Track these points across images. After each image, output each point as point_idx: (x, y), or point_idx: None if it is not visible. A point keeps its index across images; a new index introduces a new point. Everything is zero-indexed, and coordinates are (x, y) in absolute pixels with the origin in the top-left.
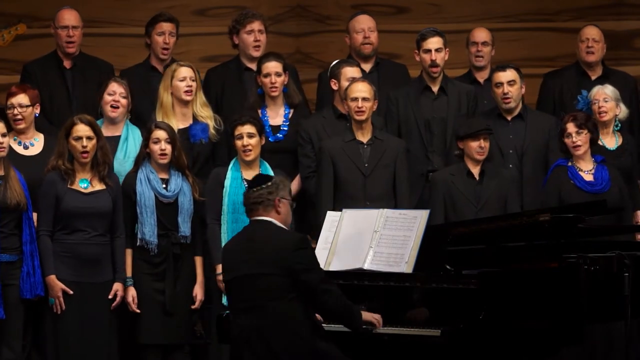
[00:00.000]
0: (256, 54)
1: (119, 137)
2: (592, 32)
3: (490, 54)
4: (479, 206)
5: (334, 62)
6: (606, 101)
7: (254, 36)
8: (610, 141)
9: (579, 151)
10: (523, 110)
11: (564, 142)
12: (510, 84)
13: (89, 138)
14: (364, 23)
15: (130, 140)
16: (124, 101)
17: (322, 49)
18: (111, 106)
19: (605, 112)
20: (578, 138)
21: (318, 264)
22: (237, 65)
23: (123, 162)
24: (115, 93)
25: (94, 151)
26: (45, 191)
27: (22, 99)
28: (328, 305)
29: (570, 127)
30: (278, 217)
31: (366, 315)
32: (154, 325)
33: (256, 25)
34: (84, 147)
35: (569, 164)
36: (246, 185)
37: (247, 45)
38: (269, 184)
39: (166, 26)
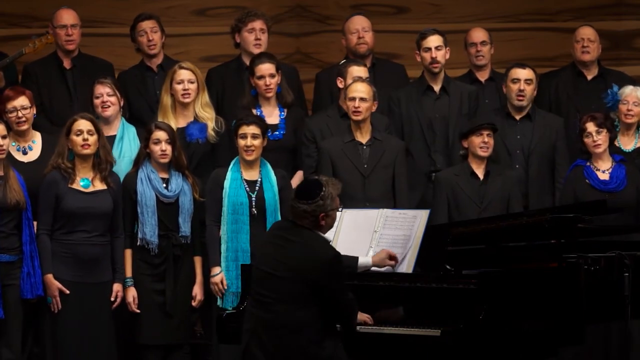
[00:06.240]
0: (257, 52)
1: (114, 136)
2: (587, 32)
3: (489, 52)
4: (482, 206)
5: (342, 61)
6: (636, 105)
7: (254, 34)
8: (627, 142)
9: (599, 149)
10: (532, 110)
11: (584, 142)
12: (527, 82)
13: (90, 132)
14: (358, 23)
15: (126, 140)
16: (112, 99)
17: (322, 49)
18: (102, 107)
19: (633, 116)
20: (598, 137)
21: (344, 281)
22: (238, 65)
23: (118, 162)
24: (102, 94)
25: (95, 146)
26: (46, 190)
27: (23, 101)
28: (346, 318)
29: (590, 127)
30: (321, 229)
31: (359, 316)
32: (154, 325)
33: (258, 24)
34: (85, 139)
35: (587, 163)
36: (248, 191)
37: (248, 44)
38: (323, 194)
39: (145, 24)
